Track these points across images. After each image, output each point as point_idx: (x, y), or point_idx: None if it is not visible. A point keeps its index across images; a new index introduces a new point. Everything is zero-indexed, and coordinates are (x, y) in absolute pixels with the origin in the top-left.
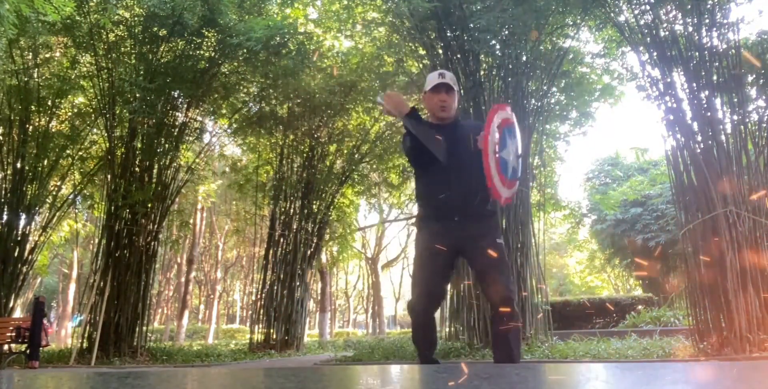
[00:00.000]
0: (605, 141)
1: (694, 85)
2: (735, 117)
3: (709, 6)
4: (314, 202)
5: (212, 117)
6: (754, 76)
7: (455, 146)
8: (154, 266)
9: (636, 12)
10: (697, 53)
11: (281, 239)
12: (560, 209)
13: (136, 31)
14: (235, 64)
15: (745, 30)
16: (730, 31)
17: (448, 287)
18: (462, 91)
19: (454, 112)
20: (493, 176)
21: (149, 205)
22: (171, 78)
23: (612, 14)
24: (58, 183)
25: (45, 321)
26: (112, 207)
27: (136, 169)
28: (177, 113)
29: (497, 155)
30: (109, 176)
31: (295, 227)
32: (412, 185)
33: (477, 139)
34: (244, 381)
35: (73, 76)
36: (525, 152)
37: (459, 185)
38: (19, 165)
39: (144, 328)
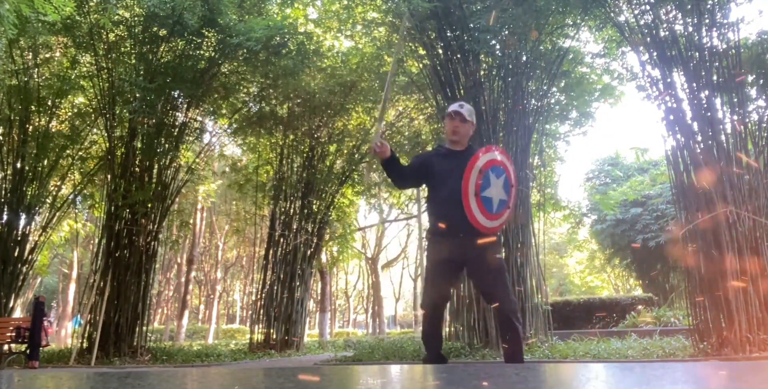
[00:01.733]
0: (605, 141)
1: (694, 85)
2: (735, 117)
3: (709, 6)
4: (314, 202)
5: (212, 117)
6: (754, 76)
7: (464, 171)
8: (154, 266)
9: (636, 12)
10: (697, 53)
11: (281, 239)
12: (560, 209)
13: (136, 31)
14: (235, 64)
15: (745, 30)
16: (730, 31)
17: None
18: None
19: (467, 140)
20: (474, 213)
21: (149, 205)
22: (171, 78)
23: (612, 14)
24: (58, 183)
25: (45, 321)
26: (112, 207)
27: (136, 169)
28: (177, 113)
29: (478, 197)
30: (109, 176)
31: (295, 227)
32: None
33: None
34: (244, 381)
35: (73, 76)
36: (517, 181)
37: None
38: (19, 165)
39: (144, 328)
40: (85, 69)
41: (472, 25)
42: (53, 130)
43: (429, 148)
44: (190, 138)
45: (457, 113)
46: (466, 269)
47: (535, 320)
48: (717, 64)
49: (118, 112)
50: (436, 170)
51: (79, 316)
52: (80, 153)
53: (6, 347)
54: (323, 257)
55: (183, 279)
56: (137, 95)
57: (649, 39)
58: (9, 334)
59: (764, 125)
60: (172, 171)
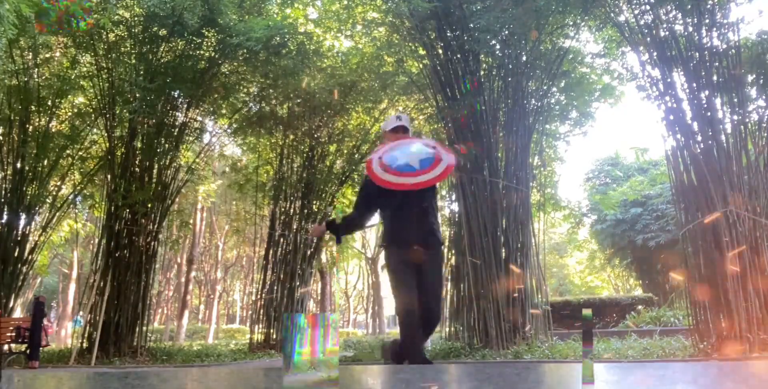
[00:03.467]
0: (605, 141)
1: (694, 85)
2: (735, 117)
3: (709, 6)
4: (314, 202)
5: (212, 117)
6: (754, 76)
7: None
8: (154, 266)
9: (636, 12)
10: (697, 53)
11: (281, 239)
12: (560, 209)
13: (136, 31)
14: (235, 64)
15: (745, 30)
16: (730, 31)
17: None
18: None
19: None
20: (390, 181)
21: (149, 205)
22: (171, 78)
23: (612, 14)
24: (58, 183)
25: (45, 321)
26: (112, 207)
27: (136, 169)
28: (177, 113)
29: (391, 170)
30: (109, 176)
31: (295, 227)
32: None
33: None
34: (244, 381)
35: (73, 76)
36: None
37: (417, 221)
38: (19, 165)
39: (144, 328)
40: (85, 69)
41: (472, 25)
42: (53, 130)
43: None
44: (190, 138)
45: (399, 126)
46: (417, 274)
47: (535, 320)
48: (717, 64)
49: (118, 112)
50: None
51: (79, 316)
52: (80, 153)
53: (6, 347)
54: (323, 257)
55: (183, 279)
56: (137, 95)
57: (649, 39)
58: (9, 334)
59: (764, 125)
60: (172, 171)
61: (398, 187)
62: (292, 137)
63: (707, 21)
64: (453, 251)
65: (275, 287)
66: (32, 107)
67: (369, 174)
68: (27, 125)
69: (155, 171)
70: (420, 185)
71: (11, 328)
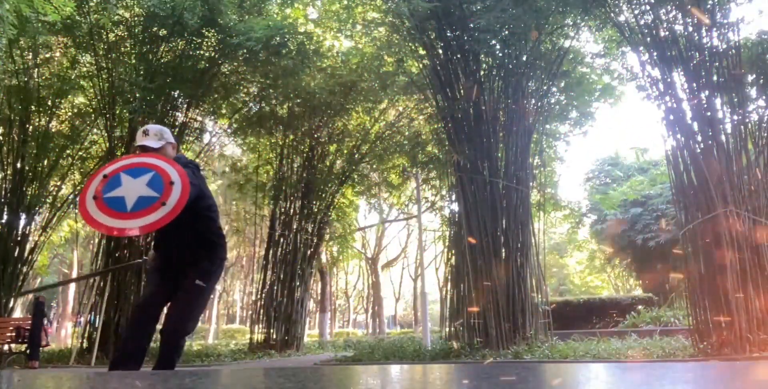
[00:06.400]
0: (605, 141)
1: (694, 85)
2: (735, 117)
3: (709, 6)
4: (314, 202)
5: (212, 117)
6: (754, 76)
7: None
8: None
9: (636, 12)
10: (697, 53)
11: (281, 239)
12: (560, 209)
13: (136, 31)
14: (235, 64)
15: (745, 30)
16: (730, 31)
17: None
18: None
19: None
20: (92, 215)
21: None
22: (171, 78)
23: (612, 14)
24: (58, 183)
25: (45, 321)
26: None
27: None
28: (177, 113)
29: (98, 200)
30: None
31: (295, 227)
32: (412, 184)
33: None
34: (244, 381)
35: (73, 76)
36: (187, 177)
37: (175, 240)
38: (19, 165)
39: None
40: (85, 69)
41: (472, 25)
42: (53, 130)
43: (429, 148)
44: (190, 138)
45: (142, 146)
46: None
47: (535, 320)
48: (717, 64)
49: (118, 112)
50: None
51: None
52: (80, 153)
53: (6, 347)
54: (323, 257)
55: None
56: (137, 95)
57: (649, 39)
58: (9, 334)
59: (764, 125)
60: None
61: (107, 232)
62: (292, 137)
63: (707, 21)
64: (453, 252)
65: (275, 288)
66: (32, 107)
67: (80, 208)
68: (27, 125)
69: None
70: (128, 232)
71: (11, 328)
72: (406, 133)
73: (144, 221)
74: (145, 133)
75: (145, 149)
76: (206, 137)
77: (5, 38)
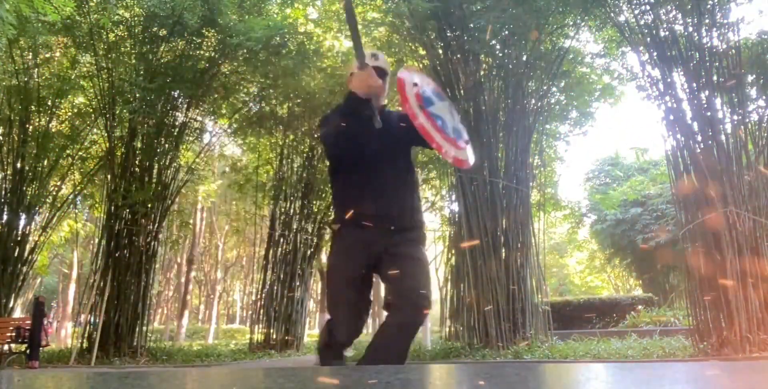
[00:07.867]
0: (605, 141)
1: (694, 85)
2: (735, 117)
3: (709, 6)
4: (314, 202)
5: (212, 117)
6: (754, 76)
7: (385, 138)
8: (154, 266)
9: (636, 12)
10: (697, 53)
11: (281, 239)
12: (560, 209)
13: (136, 31)
14: (235, 64)
15: (745, 30)
16: (730, 31)
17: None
18: (463, 91)
19: (384, 101)
20: (430, 132)
21: (149, 205)
22: (171, 78)
23: (612, 14)
24: (58, 183)
25: (45, 321)
26: (112, 207)
27: (136, 169)
28: (177, 113)
29: (425, 110)
30: (109, 176)
31: (295, 227)
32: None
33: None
34: (244, 381)
35: (73, 76)
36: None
37: (390, 187)
38: (19, 165)
39: (144, 328)
40: (85, 69)
41: (472, 25)
42: (53, 130)
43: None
44: (190, 138)
45: (376, 67)
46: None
47: (535, 320)
48: (717, 64)
49: (118, 112)
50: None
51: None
52: (80, 153)
53: (6, 347)
54: (323, 257)
55: (183, 279)
56: (137, 95)
57: (649, 39)
58: (9, 334)
59: (764, 125)
60: (172, 171)
61: (431, 141)
62: (292, 137)
63: (707, 21)
64: (453, 252)
65: (275, 288)
66: (32, 107)
67: (403, 102)
68: (27, 125)
69: (155, 171)
70: (455, 162)
71: (11, 328)
72: None
73: (461, 155)
74: (376, 57)
75: (381, 71)
76: (206, 137)
77: (5, 38)
